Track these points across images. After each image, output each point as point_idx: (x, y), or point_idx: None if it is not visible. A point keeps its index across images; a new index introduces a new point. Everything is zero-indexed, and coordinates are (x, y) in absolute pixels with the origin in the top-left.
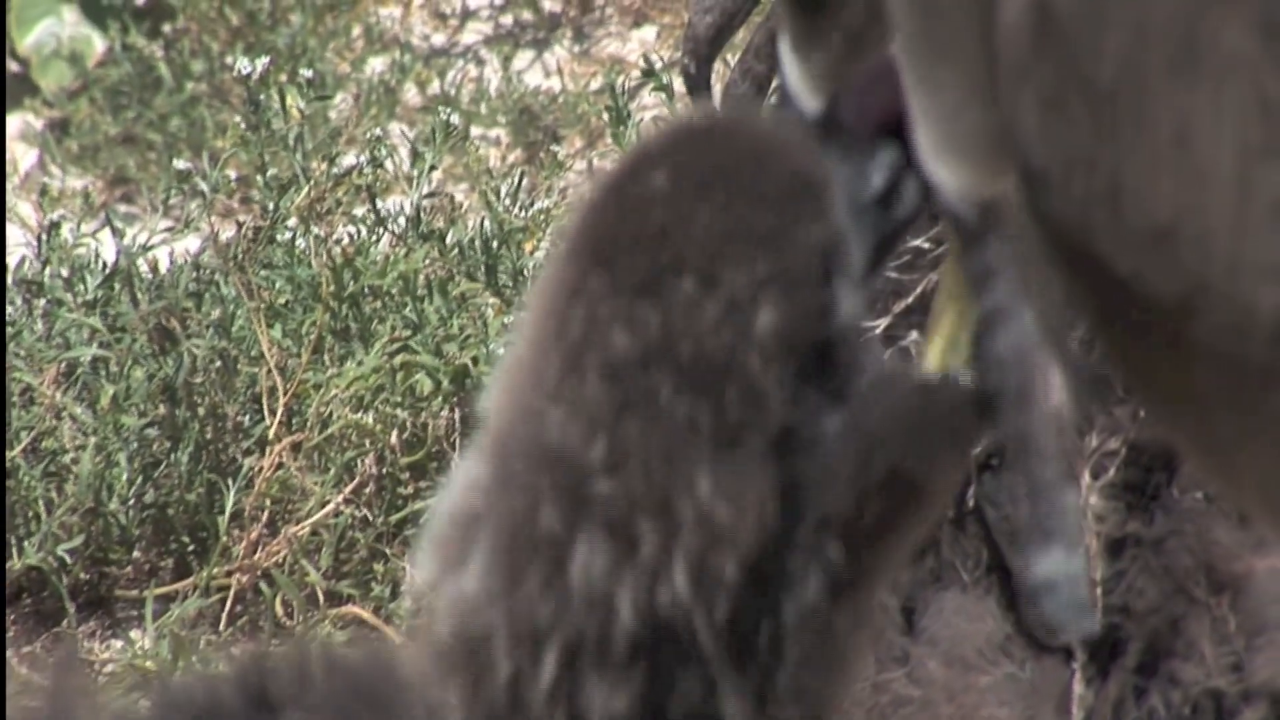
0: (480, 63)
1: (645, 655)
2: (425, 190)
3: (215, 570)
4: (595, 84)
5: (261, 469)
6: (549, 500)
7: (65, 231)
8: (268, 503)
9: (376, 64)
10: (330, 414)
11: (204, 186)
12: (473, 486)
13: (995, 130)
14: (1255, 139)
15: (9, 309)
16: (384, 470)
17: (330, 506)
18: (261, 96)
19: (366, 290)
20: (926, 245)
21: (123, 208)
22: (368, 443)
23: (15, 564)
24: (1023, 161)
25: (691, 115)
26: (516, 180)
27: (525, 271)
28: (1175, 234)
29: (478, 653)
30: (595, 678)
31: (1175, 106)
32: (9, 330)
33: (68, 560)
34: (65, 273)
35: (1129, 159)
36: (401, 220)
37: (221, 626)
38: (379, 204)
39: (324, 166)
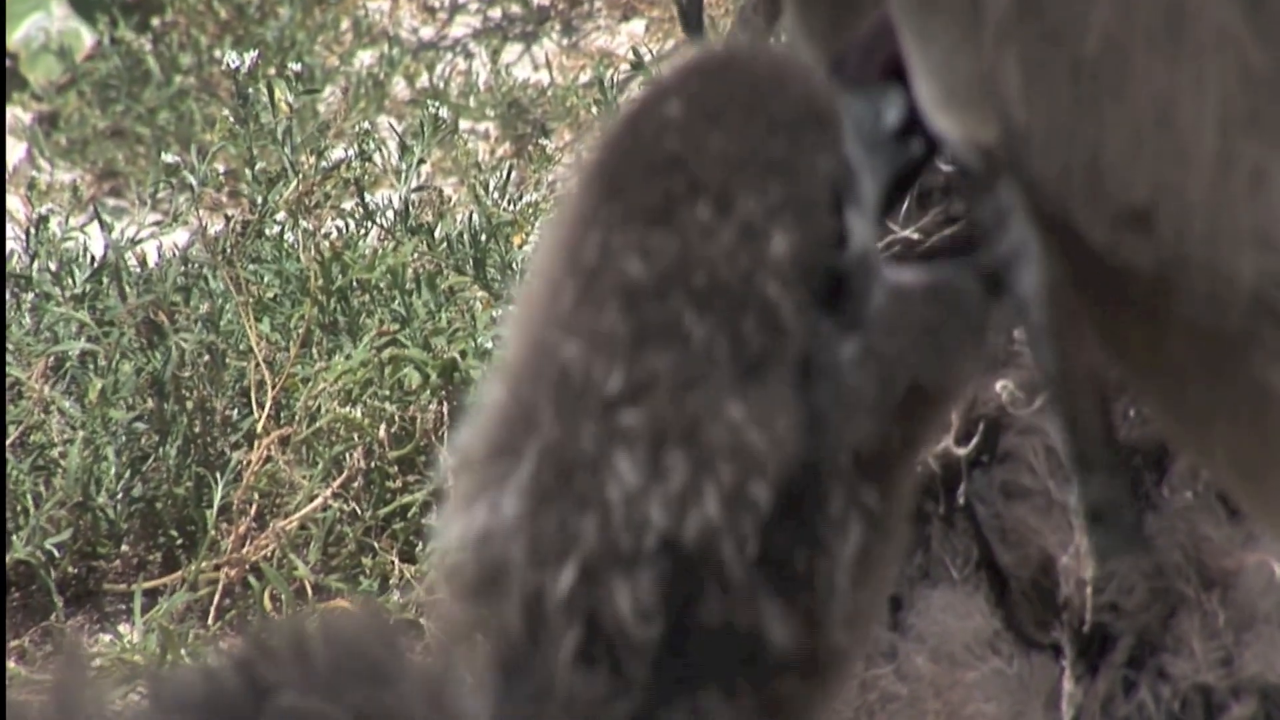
0: (469, 56)
1: (672, 572)
2: (414, 184)
3: (203, 564)
4: (584, 77)
5: (250, 463)
6: (573, 428)
7: (54, 225)
8: (256, 496)
9: (365, 57)
10: (318, 408)
11: (192, 180)
12: (491, 419)
13: (984, 77)
14: (1237, 111)
15: None
16: (372, 464)
17: (318, 500)
18: (250, 90)
19: (355, 284)
20: (916, 236)
21: (111, 201)
22: (356, 437)
23: (4, 557)
24: (1005, 119)
25: (705, 47)
26: (505, 174)
27: (514, 265)
28: (1154, 213)
29: (498, 574)
30: (617, 589)
31: (1157, 83)
32: None
33: (56, 554)
34: (53, 266)
35: (1109, 135)
36: (390, 214)
37: (210, 620)
38: (367, 197)
39: (312, 160)
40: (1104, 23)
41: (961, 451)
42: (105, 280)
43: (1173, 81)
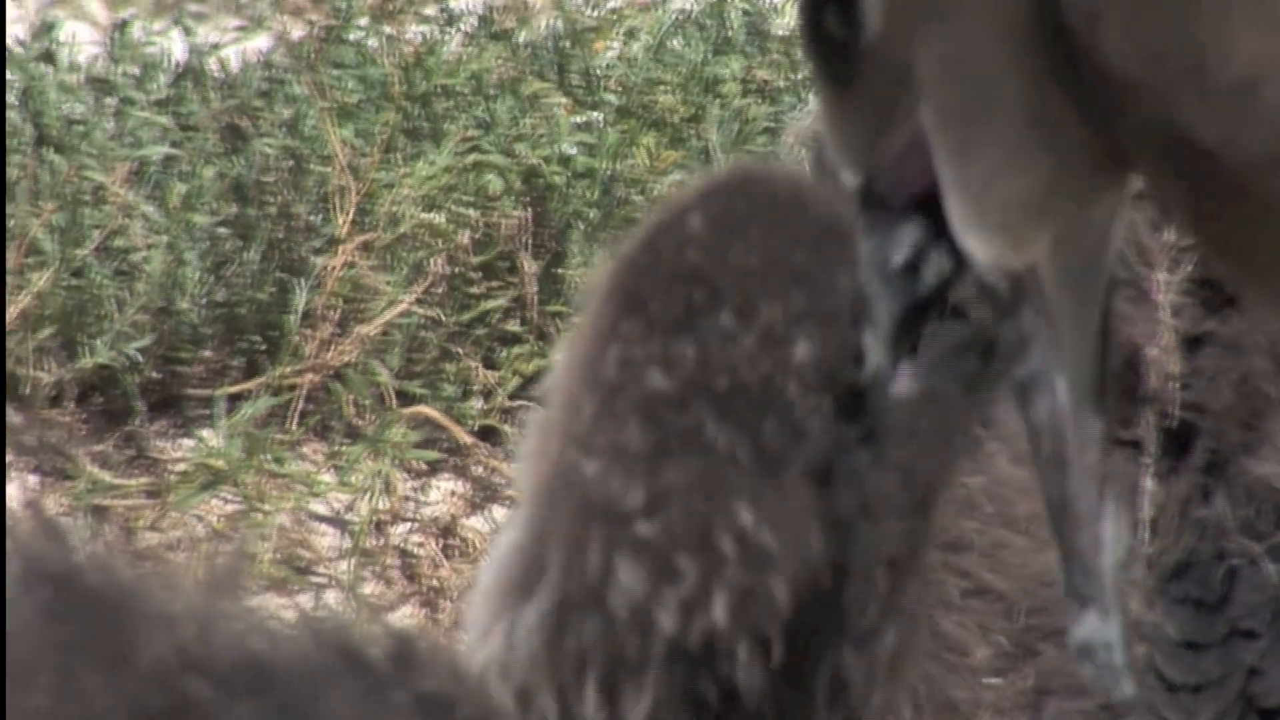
0: None
1: (687, 681)
2: None
3: (285, 369)
4: None
5: (332, 268)
6: (590, 547)
7: (135, 29)
8: (338, 302)
9: None
10: (400, 213)
11: None
12: (516, 547)
13: (1028, 193)
14: None
15: (80, 107)
16: (454, 270)
17: (400, 306)
18: None
19: (437, 89)
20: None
21: (193, 6)
22: (438, 242)
23: (87, 361)
24: (1114, 80)
25: (723, 169)
26: None
27: (595, 71)
28: (1258, 82)
29: (525, 699)
30: (636, 700)
31: None
32: (81, 128)
33: (138, 359)
34: (135, 71)
35: (1210, 24)
36: (472, 19)
37: (291, 425)
38: (449, 3)
39: None
40: None
41: None
42: (187, 85)
43: None
